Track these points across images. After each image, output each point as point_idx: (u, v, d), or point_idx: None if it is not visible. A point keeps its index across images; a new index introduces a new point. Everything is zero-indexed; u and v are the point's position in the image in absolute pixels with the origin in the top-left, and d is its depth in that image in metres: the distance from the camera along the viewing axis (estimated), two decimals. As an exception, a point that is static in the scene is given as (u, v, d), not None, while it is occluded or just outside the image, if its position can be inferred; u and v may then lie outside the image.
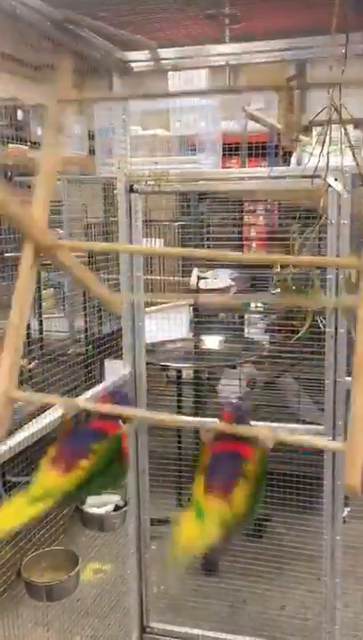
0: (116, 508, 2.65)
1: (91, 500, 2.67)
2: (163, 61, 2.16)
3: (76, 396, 2.39)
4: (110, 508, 2.64)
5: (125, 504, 2.66)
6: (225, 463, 1.31)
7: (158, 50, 2.13)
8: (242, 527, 1.30)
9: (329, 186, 2.15)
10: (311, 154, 2.22)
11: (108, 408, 1.44)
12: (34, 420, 2.60)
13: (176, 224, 4.26)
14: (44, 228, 1.45)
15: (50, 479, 1.36)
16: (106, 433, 1.43)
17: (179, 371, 3.61)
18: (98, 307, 3.83)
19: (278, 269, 2.67)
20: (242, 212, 3.74)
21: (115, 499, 2.70)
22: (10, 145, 3.68)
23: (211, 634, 2.81)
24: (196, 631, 2.83)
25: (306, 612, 2.88)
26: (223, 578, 3.09)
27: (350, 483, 0.96)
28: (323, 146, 1.73)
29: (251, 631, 2.81)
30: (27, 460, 2.98)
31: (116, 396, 1.55)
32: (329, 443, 2.16)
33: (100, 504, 2.65)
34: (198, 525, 1.21)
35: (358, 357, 1.04)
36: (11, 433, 2.45)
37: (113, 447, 1.43)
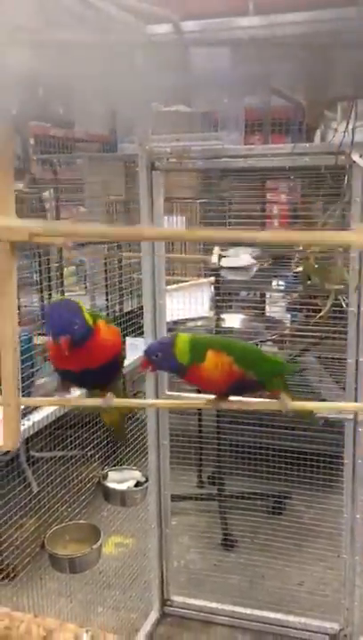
0: (138, 483, 2.68)
1: (112, 475, 2.70)
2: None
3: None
4: (132, 483, 2.67)
5: (146, 480, 2.69)
6: None
7: (181, 23, 2.08)
8: None
9: (354, 162, 2.11)
10: (336, 130, 2.18)
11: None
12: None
13: (198, 201, 4.23)
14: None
15: None
16: None
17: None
18: (119, 285, 3.84)
19: (301, 247, 2.64)
20: (264, 189, 3.69)
21: (136, 474, 2.73)
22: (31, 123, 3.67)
23: (230, 608, 2.85)
24: (215, 605, 2.88)
25: (325, 589, 2.90)
26: (243, 553, 3.12)
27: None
28: (348, 122, 1.69)
29: (269, 606, 2.84)
30: (50, 436, 3.03)
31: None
32: (346, 404, 2.19)
33: (121, 480, 2.68)
34: None
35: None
36: (34, 410, 2.49)
37: None
